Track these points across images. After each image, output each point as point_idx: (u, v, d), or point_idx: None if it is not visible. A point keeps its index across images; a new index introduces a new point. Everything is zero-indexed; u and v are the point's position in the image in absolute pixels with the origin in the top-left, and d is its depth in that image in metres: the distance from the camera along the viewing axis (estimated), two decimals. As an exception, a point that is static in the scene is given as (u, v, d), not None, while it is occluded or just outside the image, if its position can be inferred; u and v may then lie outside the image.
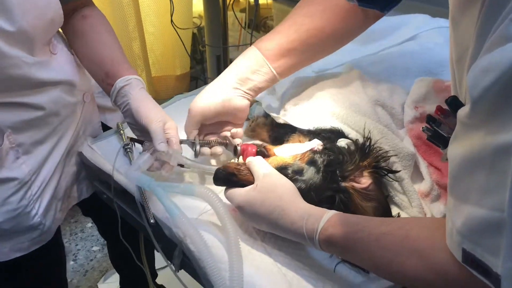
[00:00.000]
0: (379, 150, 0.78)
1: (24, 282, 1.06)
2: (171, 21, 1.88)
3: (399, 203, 0.82)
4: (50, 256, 1.09)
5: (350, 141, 0.82)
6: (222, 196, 0.77)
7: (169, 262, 0.81)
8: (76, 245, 2.09)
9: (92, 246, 2.08)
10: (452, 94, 0.64)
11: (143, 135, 0.87)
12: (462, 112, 0.49)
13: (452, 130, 0.53)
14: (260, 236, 0.78)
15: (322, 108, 0.90)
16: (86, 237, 2.12)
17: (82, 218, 2.19)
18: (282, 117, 0.93)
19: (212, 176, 0.78)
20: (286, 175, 0.75)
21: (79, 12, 0.96)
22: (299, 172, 0.75)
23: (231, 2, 1.97)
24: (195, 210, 0.82)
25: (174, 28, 1.90)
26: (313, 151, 0.78)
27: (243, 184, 0.75)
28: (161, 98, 1.12)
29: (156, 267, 1.66)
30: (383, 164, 0.78)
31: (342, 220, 0.65)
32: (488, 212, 0.45)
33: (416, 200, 0.81)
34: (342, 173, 0.74)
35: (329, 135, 0.84)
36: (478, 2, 0.48)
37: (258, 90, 0.90)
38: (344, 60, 1.05)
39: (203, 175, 0.91)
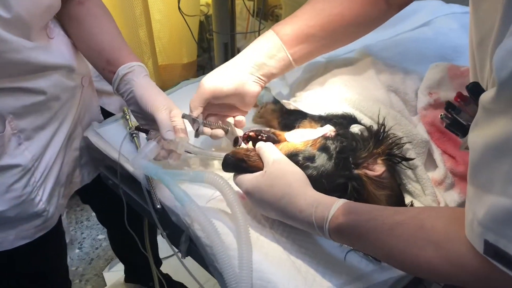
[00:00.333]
0: (393, 137, 0.76)
1: (26, 270, 1.06)
2: (179, 7, 1.85)
3: (412, 191, 0.80)
4: (52, 243, 1.09)
5: (363, 127, 0.79)
6: (231, 182, 0.75)
7: (175, 248, 0.79)
8: (82, 233, 2.09)
9: (98, 235, 2.08)
10: (471, 80, 0.62)
11: (148, 123, 0.86)
12: (485, 97, 0.47)
13: (472, 118, 0.51)
14: (269, 223, 0.76)
15: (333, 94, 0.88)
16: (91, 226, 2.12)
17: (87, 207, 2.19)
18: (293, 103, 0.91)
19: (220, 163, 0.76)
20: (297, 162, 0.73)
21: None
22: (311, 158, 0.73)
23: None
24: (202, 197, 0.80)
25: (182, 15, 1.88)
26: (325, 137, 0.76)
27: (252, 171, 0.73)
28: (167, 87, 1.10)
29: (161, 256, 1.65)
30: (396, 152, 0.76)
31: (353, 209, 0.63)
32: None
33: (430, 188, 0.79)
34: (355, 160, 0.72)
35: (341, 121, 0.82)
36: None
37: (271, 76, 0.88)
38: (355, 46, 1.02)
39: (209, 163, 0.90)
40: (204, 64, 2.45)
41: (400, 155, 0.76)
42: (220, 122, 0.89)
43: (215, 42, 1.89)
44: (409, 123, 0.83)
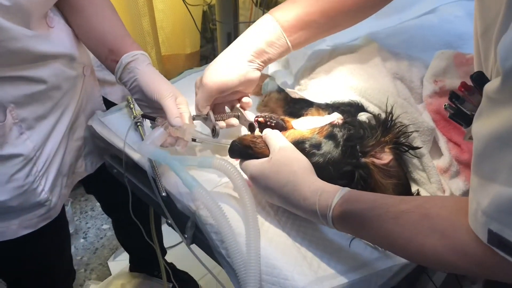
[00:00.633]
0: (400, 126, 0.76)
1: (30, 259, 1.07)
2: (181, -3, 1.84)
3: (418, 179, 0.80)
4: (55, 233, 1.10)
5: (371, 115, 0.79)
6: (238, 168, 0.76)
7: (182, 235, 0.80)
8: (86, 223, 2.10)
9: (102, 224, 2.10)
10: (476, 69, 0.61)
11: (153, 111, 0.86)
12: (489, 87, 0.46)
13: (476, 107, 0.51)
14: (274, 210, 0.76)
15: (339, 82, 0.88)
16: (96, 215, 2.13)
17: (92, 197, 2.19)
18: (298, 92, 0.91)
19: (227, 149, 0.77)
20: (303, 149, 0.73)
21: None
22: (317, 146, 0.73)
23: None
24: (208, 183, 0.80)
25: (185, 5, 1.87)
26: (333, 125, 0.76)
27: (258, 157, 0.73)
28: (171, 77, 1.10)
29: (166, 246, 1.66)
30: (403, 140, 0.75)
31: (357, 197, 0.63)
32: None
33: (435, 176, 0.79)
34: (363, 148, 0.72)
35: (349, 109, 0.81)
36: None
37: (269, 62, 0.87)
38: (359, 34, 1.01)
39: (217, 149, 0.90)
40: (207, 54, 2.44)
41: (407, 143, 0.76)
42: (229, 110, 0.89)
43: (218, 32, 1.88)
44: (415, 111, 0.83)
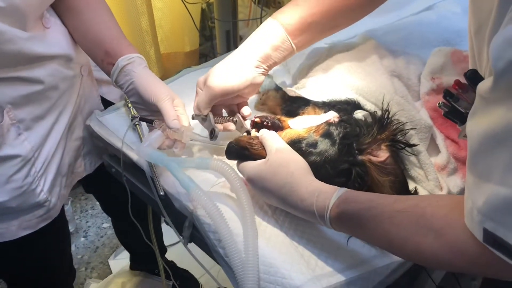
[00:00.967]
0: (397, 123, 0.76)
1: (30, 259, 1.07)
2: (180, -5, 1.84)
3: (415, 177, 0.80)
4: (55, 233, 1.10)
5: (367, 113, 0.79)
6: (235, 169, 0.76)
7: (179, 235, 0.80)
8: (87, 222, 2.11)
9: (103, 223, 2.10)
10: (471, 67, 0.61)
11: (150, 113, 0.86)
12: (482, 86, 0.47)
13: (471, 105, 0.51)
14: (271, 209, 0.77)
15: (336, 80, 0.88)
16: (96, 214, 2.13)
17: (92, 196, 2.20)
18: (295, 90, 0.91)
19: (224, 151, 0.77)
20: (300, 148, 0.73)
21: None
22: (314, 145, 0.73)
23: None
24: (206, 183, 0.80)
25: (183, 3, 1.86)
26: (329, 123, 0.76)
27: (255, 158, 0.74)
28: (170, 75, 1.10)
29: (166, 244, 1.66)
30: (400, 137, 0.75)
31: (354, 197, 0.63)
32: None
33: (433, 174, 0.79)
34: (359, 146, 0.72)
35: (345, 107, 0.81)
36: None
37: (274, 65, 0.87)
38: (357, 31, 1.01)
39: (214, 151, 0.90)
40: (206, 52, 2.44)
41: (404, 141, 0.76)
42: (226, 114, 0.89)
43: (217, 30, 1.88)
44: (412, 109, 0.83)
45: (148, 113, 0.86)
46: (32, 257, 1.07)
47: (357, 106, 0.82)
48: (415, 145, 0.78)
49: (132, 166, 0.90)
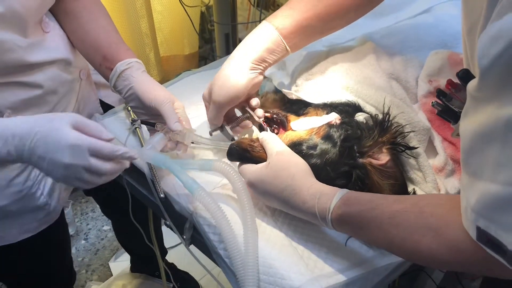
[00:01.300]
0: (397, 126, 0.76)
1: (31, 263, 1.08)
2: (179, -2, 1.85)
3: (414, 179, 0.81)
4: (55, 236, 1.10)
5: (368, 115, 0.80)
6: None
7: (181, 236, 0.81)
8: (87, 224, 2.11)
9: (103, 226, 2.10)
10: (465, 67, 0.62)
11: (150, 118, 0.86)
12: (471, 85, 0.47)
13: (463, 104, 0.52)
14: (271, 210, 0.77)
15: (335, 83, 0.88)
16: (97, 217, 2.14)
17: (92, 198, 2.21)
18: (294, 93, 0.92)
19: (226, 152, 0.78)
20: (301, 151, 0.73)
21: None
22: (315, 147, 0.74)
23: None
24: (208, 184, 0.81)
25: (183, 6, 1.87)
26: (330, 125, 0.76)
27: (256, 161, 0.74)
28: (169, 78, 1.11)
29: (167, 246, 1.67)
30: (400, 140, 0.76)
31: (355, 198, 0.63)
32: (502, 187, 0.43)
33: (431, 175, 0.79)
34: (360, 149, 0.73)
35: (346, 109, 0.82)
36: None
37: (269, 66, 0.88)
38: (355, 34, 1.02)
39: (216, 152, 0.90)
40: (206, 55, 2.44)
41: (404, 143, 0.77)
42: (240, 114, 0.90)
43: (217, 33, 1.89)
44: (411, 111, 0.83)
45: (148, 117, 0.87)
46: (32, 260, 1.07)
47: (357, 108, 0.83)
48: (415, 148, 0.78)
49: (133, 169, 0.90)
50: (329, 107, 0.84)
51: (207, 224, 0.74)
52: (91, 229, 2.09)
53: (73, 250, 1.98)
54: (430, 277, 1.41)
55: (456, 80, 0.68)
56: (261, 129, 0.87)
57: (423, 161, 0.80)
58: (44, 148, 0.64)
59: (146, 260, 1.65)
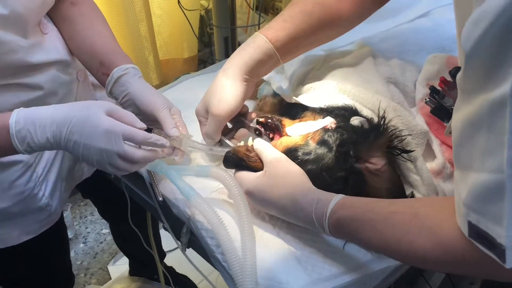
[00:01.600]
0: (394, 129, 0.76)
1: (30, 265, 1.07)
2: (178, 2, 1.85)
3: (412, 182, 0.81)
4: (55, 238, 1.10)
5: (364, 119, 0.79)
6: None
7: (177, 240, 0.81)
8: (86, 227, 2.11)
9: (102, 229, 2.10)
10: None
11: (147, 123, 0.86)
12: (459, 77, 0.47)
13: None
14: (268, 215, 0.77)
15: (333, 86, 0.88)
16: (95, 220, 2.14)
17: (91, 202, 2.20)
18: (293, 97, 0.92)
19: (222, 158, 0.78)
20: (296, 157, 0.73)
21: None
22: (310, 153, 0.74)
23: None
24: (205, 189, 0.81)
25: (182, 9, 1.88)
26: (325, 130, 0.76)
27: (252, 169, 0.74)
28: (169, 82, 1.11)
29: (165, 249, 1.67)
30: (397, 144, 0.76)
31: (351, 203, 0.63)
32: (489, 175, 0.42)
33: (428, 179, 0.79)
34: (356, 153, 0.72)
35: (343, 113, 0.82)
36: None
37: (261, 76, 0.89)
38: (353, 38, 1.02)
39: (212, 158, 0.91)
40: (205, 58, 2.45)
41: (400, 147, 0.76)
42: (233, 125, 0.90)
43: (216, 36, 1.89)
44: (409, 115, 0.83)
45: (145, 123, 0.87)
46: (31, 262, 1.07)
47: (354, 112, 0.83)
48: (412, 151, 0.78)
49: (131, 172, 0.90)
50: (325, 112, 0.84)
51: (204, 228, 0.74)
52: (90, 232, 2.09)
53: (72, 254, 1.98)
54: (428, 282, 1.41)
55: (449, 78, 0.68)
56: (257, 134, 0.86)
57: (421, 164, 0.80)
58: (80, 134, 0.67)
59: (144, 263, 1.65)
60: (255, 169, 0.74)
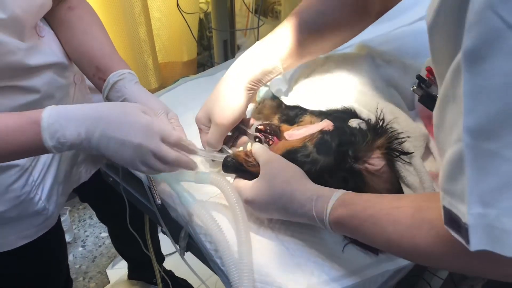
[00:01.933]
0: (393, 131, 0.76)
1: (27, 269, 1.07)
2: (177, 5, 1.85)
3: (410, 184, 0.80)
4: (52, 242, 1.10)
5: (362, 121, 0.80)
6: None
7: (176, 244, 0.80)
8: (85, 231, 2.10)
9: (101, 233, 2.10)
10: None
11: None
12: (428, 61, 0.48)
13: None
14: (267, 219, 0.77)
15: (332, 89, 0.88)
16: (94, 224, 2.13)
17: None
18: (292, 99, 0.92)
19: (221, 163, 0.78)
20: (295, 159, 0.73)
21: (65, 3, 0.93)
22: (308, 155, 0.73)
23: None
24: (205, 194, 0.81)
25: (181, 13, 1.88)
26: (323, 132, 0.76)
27: (252, 174, 0.74)
28: (168, 85, 1.11)
29: (164, 252, 1.66)
30: (396, 145, 0.76)
31: (352, 198, 0.63)
32: (452, 148, 0.41)
33: (428, 182, 0.79)
34: (355, 154, 0.72)
35: (342, 115, 0.82)
36: None
37: (263, 84, 0.89)
38: (353, 41, 1.02)
39: (211, 163, 0.90)
40: (204, 61, 2.45)
41: (399, 148, 0.76)
42: (233, 133, 0.90)
43: (215, 40, 1.89)
44: (408, 117, 0.83)
45: None
46: (28, 267, 1.06)
47: (353, 114, 0.83)
48: (410, 153, 0.78)
49: (129, 175, 0.90)
50: (324, 115, 0.84)
51: (203, 233, 0.73)
52: (89, 236, 2.09)
53: (70, 257, 1.97)
54: (429, 284, 1.41)
55: None
56: (258, 141, 0.86)
57: (420, 167, 0.80)
58: (118, 128, 0.67)
59: (143, 267, 1.64)
60: (254, 174, 0.74)
